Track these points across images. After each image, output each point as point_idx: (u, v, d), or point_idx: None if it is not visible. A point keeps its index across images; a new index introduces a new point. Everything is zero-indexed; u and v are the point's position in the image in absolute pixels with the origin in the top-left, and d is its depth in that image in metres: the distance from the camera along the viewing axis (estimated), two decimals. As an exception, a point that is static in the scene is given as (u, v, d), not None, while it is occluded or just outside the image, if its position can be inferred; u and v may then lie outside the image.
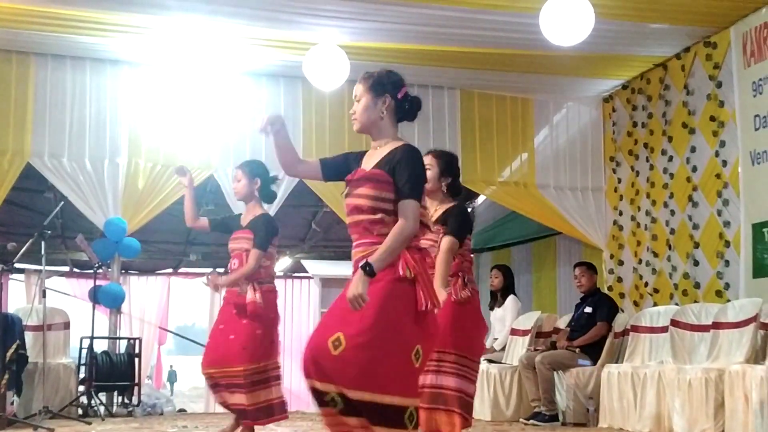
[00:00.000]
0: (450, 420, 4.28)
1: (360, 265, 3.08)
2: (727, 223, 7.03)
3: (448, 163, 4.62)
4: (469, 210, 11.10)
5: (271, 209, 8.02)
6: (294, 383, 12.53)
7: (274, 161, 8.34)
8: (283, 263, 12.75)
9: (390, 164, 3.23)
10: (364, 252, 3.18)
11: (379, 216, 3.18)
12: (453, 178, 4.67)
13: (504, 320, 8.40)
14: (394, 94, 3.34)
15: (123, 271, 10.46)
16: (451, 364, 4.32)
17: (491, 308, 8.64)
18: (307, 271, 10.96)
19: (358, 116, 3.34)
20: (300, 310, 12.90)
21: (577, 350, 7.28)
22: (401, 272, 3.09)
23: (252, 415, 5.04)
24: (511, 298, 8.40)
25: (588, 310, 7.49)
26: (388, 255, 3.09)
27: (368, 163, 3.31)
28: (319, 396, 3.04)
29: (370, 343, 3.00)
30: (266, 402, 5.08)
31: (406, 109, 3.38)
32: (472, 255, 4.80)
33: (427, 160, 4.47)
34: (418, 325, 3.12)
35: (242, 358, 5.05)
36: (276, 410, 5.14)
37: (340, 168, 3.41)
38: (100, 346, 8.18)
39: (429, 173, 4.46)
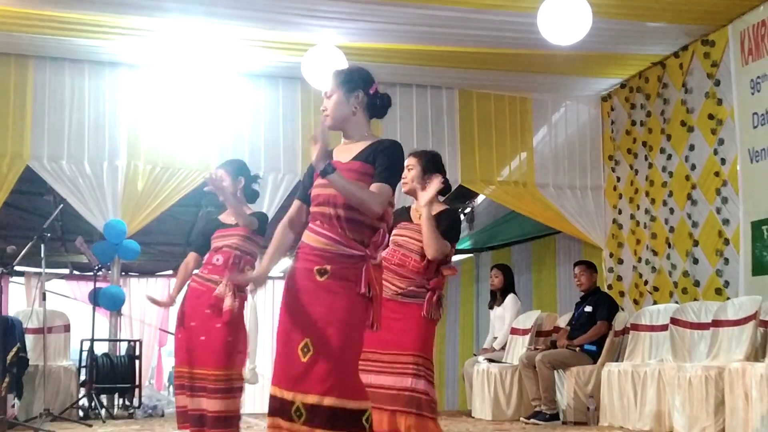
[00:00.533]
0: (424, 424, 4.18)
1: (329, 162, 3.06)
2: (726, 221, 7.03)
3: (430, 161, 4.46)
4: (467, 211, 11.16)
5: (271, 209, 8.06)
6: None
7: (272, 161, 8.40)
8: (281, 264, 12.73)
9: (373, 154, 3.20)
10: (325, 245, 3.15)
11: (352, 214, 3.16)
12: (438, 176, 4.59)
13: (504, 319, 8.40)
14: (366, 89, 3.30)
15: (123, 273, 10.44)
16: (426, 370, 4.27)
17: (490, 307, 8.66)
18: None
19: (330, 112, 3.29)
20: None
21: (578, 349, 7.29)
22: (363, 289, 3.12)
23: (211, 422, 4.84)
24: (510, 297, 8.41)
25: (588, 309, 7.50)
26: (347, 190, 3.09)
27: (342, 157, 3.26)
28: (284, 408, 3.06)
29: (337, 350, 3.06)
30: (225, 412, 4.87)
31: (377, 105, 3.34)
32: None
33: (409, 161, 4.37)
34: (363, 336, 3.21)
35: (213, 362, 4.87)
36: (233, 423, 4.92)
37: (312, 182, 3.33)
38: (100, 349, 8.19)
39: (412, 173, 4.37)
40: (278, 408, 3.08)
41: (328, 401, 3.01)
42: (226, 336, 4.90)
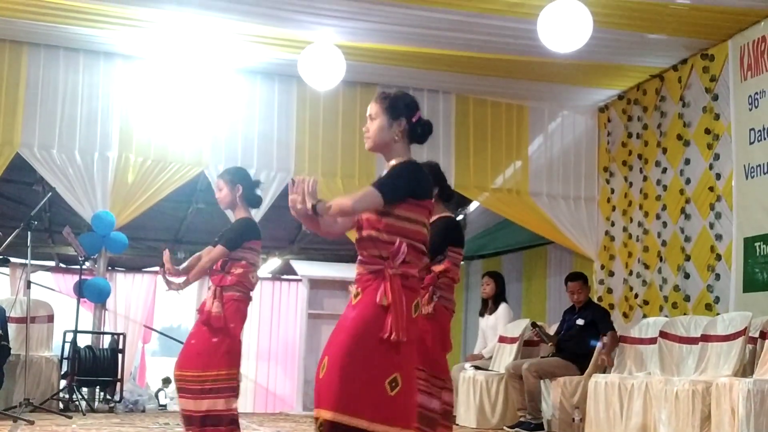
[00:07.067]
0: None
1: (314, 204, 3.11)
2: (719, 237, 7.01)
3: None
4: (459, 218, 11.11)
5: (261, 210, 7.98)
6: (278, 386, 12.48)
7: (266, 159, 8.35)
8: (271, 264, 12.67)
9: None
10: (359, 270, 3.22)
11: (373, 234, 3.19)
12: (439, 188, 4.63)
13: (496, 328, 8.33)
14: (409, 117, 3.34)
15: (109, 268, 10.37)
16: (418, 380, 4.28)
17: (481, 315, 8.58)
18: (296, 273, 10.90)
19: (371, 135, 3.33)
20: (287, 313, 12.80)
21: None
22: (378, 299, 3.11)
23: (197, 422, 4.87)
24: (504, 307, 8.33)
25: (580, 322, 7.39)
26: (331, 210, 3.12)
27: None
28: (315, 425, 3.09)
29: (345, 365, 3.03)
30: (214, 412, 4.87)
31: (419, 133, 3.37)
32: (455, 268, 4.70)
33: None
34: (396, 353, 3.10)
35: (195, 364, 4.92)
36: (224, 422, 4.90)
37: None
38: (83, 341, 8.10)
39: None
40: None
41: (330, 415, 2.99)
42: (210, 337, 4.94)
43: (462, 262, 9.92)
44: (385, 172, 3.35)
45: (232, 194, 5.14)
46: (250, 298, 5.14)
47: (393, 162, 3.33)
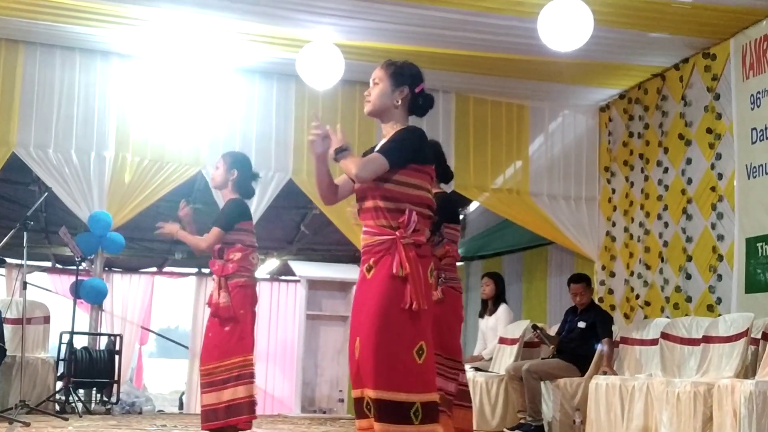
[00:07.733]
0: None
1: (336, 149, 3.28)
2: (720, 237, 6.96)
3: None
4: (462, 216, 11.06)
5: (259, 210, 7.95)
6: (276, 388, 12.42)
7: (264, 158, 8.28)
8: (270, 265, 12.61)
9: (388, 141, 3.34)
10: (366, 240, 3.26)
11: (379, 204, 3.23)
12: (437, 165, 4.67)
13: (496, 330, 8.27)
14: (412, 87, 3.39)
15: (106, 269, 10.29)
16: None
17: (481, 316, 8.52)
18: (294, 274, 10.86)
19: (372, 99, 3.40)
20: (286, 314, 12.75)
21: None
22: (394, 270, 3.15)
23: (222, 413, 4.96)
24: (504, 308, 8.27)
25: (581, 324, 7.30)
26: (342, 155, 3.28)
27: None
28: (359, 406, 3.16)
29: (375, 342, 3.10)
30: (236, 401, 4.98)
31: (420, 104, 3.43)
32: (454, 245, 4.82)
33: None
34: (418, 321, 3.17)
35: (214, 355, 5.05)
36: (244, 409, 5.00)
37: None
38: (80, 342, 8.05)
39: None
40: (357, 409, 3.18)
41: (375, 393, 3.07)
42: (223, 327, 5.07)
43: (461, 263, 9.88)
44: (382, 139, 3.39)
45: (226, 176, 5.28)
46: (255, 279, 5.23)
47: (390, 129, 3.37)
